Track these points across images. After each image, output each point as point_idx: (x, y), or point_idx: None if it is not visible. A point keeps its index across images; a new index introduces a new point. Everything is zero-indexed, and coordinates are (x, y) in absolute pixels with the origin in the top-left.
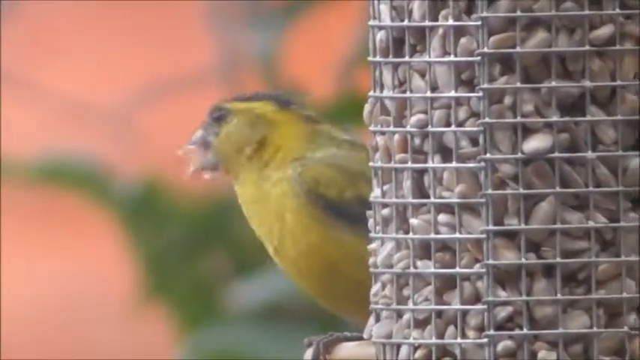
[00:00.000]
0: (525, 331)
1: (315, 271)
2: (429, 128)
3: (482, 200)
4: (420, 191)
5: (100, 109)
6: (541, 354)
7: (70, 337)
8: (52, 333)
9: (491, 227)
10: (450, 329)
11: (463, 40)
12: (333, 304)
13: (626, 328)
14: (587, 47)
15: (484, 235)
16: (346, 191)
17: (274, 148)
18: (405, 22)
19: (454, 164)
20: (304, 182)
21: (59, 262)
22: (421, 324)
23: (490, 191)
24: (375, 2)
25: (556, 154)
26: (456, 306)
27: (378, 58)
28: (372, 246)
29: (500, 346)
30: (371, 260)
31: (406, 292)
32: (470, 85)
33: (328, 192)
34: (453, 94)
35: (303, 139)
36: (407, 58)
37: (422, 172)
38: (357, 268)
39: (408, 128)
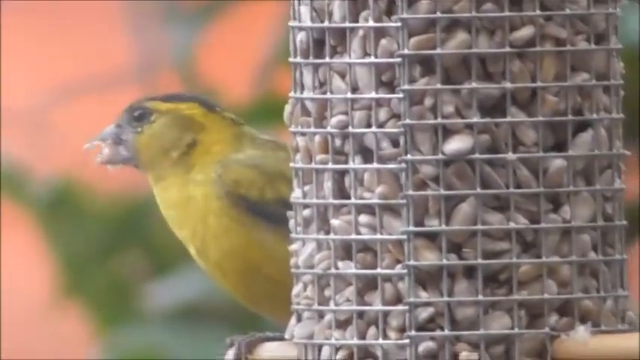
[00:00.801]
0: (447, 332)
1: (238, 272)
2: (350, 129)
3: (403, 201)
4: (341, 192)
5: (15, 109)
6: (462, 355)
7: None
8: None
9: (412, 228)
10: (372, 330)
11: (383, 42)
12: (256, 304)
13: (547, 329)
14: (507, 49)
15: (405, 236)
16: (267, 192)
17: (202, 151)
18: (326, 24)
19: (375, 165)
20: (225, 184)
21: None
22: (343, 324)
23: (411, 192)
24: (296, 3)
25: (477, 155)
26: (378, 307)
27: (298, 59)
28: (294, 247)
29: (421, 347)
30: (292, 261)
31: (327, 292)
32: (390, 86)
33: (249, 193)
34: (373, 95)
35: (228, 142)
36: (327, 59)
37: (343, 173)
38: (279, 269)
39: (329, 129)
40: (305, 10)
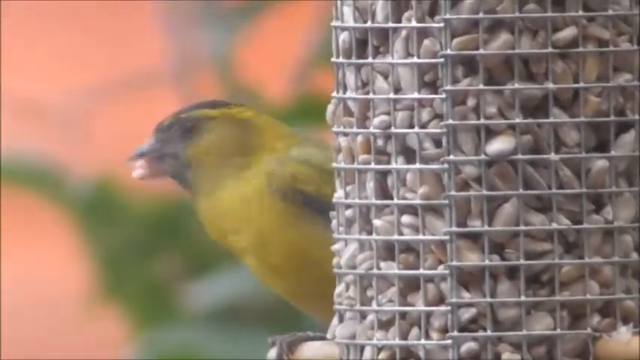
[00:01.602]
0: (489, 332)
1: (299, 271)
2: (392, 129)
3: (446, 202)
4: (384, 192)
5: (52, 109)
6: (505, 355)
7: (24, 336)
8: (5, 331)
9: (454, 229)
10: (414, 330)
11: (426, 42)
12: (310, 303)
13: (589, 330)
14: (549, 49)
15: (447, 237)
16: (323, 187)
17: (268, 150)
18: (368, 24)
19: (417, 165)
20: (281, 179)
21: (13, 262)
22: (385, 325)
23: (453, 193)
24: (338, 3)
25: (519, 156)
26: (420, 307)
27: (341, 59)
28: (336, 247)
29: (463, 348)
30: (334, 261)
31: (370, 293)
32: (433, 86)
33: (306, 188)
34: (416, 95)
35: (285, 141)
36: (370, 60)
37: (385, 174)
38: None
39: (371, 129)
40: (348, 10)
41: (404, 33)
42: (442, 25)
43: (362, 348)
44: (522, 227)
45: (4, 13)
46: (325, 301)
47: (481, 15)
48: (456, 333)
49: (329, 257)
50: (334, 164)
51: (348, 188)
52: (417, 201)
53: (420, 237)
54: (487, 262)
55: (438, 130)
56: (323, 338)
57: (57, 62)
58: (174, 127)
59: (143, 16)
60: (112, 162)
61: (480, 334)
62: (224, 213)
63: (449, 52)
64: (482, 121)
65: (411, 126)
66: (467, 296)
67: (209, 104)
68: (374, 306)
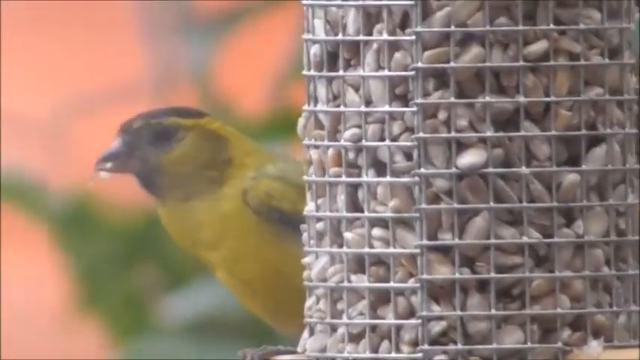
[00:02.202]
0: (459, 346)
1: (270, 287)
2: (363, 142)
3: (417, 215)
4: (354, 205)
5: (30, 121)
6: None
7: (5, 348)
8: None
9: (425, 242)
10: (385, 344)
11: (397, 55)
12: (280, 318)
13: (560, 344)
14: (521, 63)
15: (418, 250)
16: (298, 204)
17: (239, 165)
18: (340, 37)
19: (388, 178)
20: (256, 197)
21: None
22: (355, 338)
23: (424, 206)
24: (310, 16)
25: (490, 169)
26: (391, 320)
27: (312, 72)
28: (306, 260)
29: None
30: (305, 274)
31: (340, 306)
32: (404, 99)
33: (282, 205)
34: (387, 108)
35: (255, 155)
36: (341, 72)
37: (356, 187)
38: None
39: (342, 142)
40: (319, 23)
41: (375, 46)
42: (413, 37)
43: None
44: (493, 241)
45: None
46: (296, 316)
47: (452, 28)
48: (426, 346)
49: (302, 273)
50: (305, 177)
51: (319, 201)
52: (388, 214)
53: (391, 250)
54: (458, 275)
55: (408, 143)
56: (294, 352)
57: (36, 76)
58: (145, 131)
59: (122, 30)
60: (90, 175)
61: (451, 347)
62: (197, 225)
63: (420, 65)
64: (453, 134)
65: (382, 139)
66: (437, 309)
67: (179, 111)
68: (344, 319)
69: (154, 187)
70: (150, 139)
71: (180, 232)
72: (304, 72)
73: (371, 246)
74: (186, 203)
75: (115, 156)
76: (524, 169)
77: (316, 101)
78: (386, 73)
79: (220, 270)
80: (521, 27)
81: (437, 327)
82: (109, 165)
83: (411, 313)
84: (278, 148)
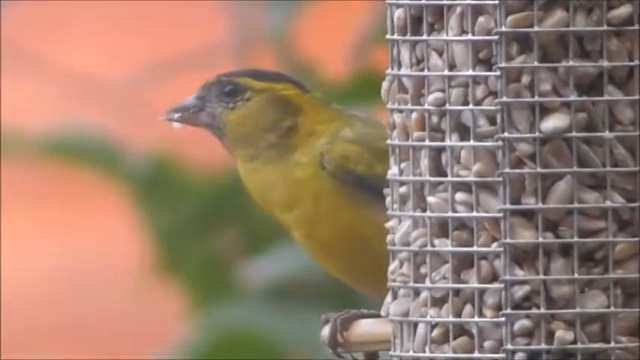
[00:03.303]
0: (542, 310)
1: (348, 249)
2: (447, 106)
3: (500, 179)
4: (438, 169)
5: (110, 85)
6: (558, 333)
7: (82, 312)
8: (63, 307)
9: (508, 206)
10: (467, 308)
11: (481, 19)
12: (360, 281)
13: None
14: (604, 27)
15: (501, 214)
16: (376, 167)
17: (307, 133)
18: (423, 1)
19: (472, 143)
20: (333, 159)
21: (71, 237)
22: (438, 302)
23: (507, 170)
24: None
25: (574, 134)
26: (474, 284)
27: (395, 36)
28: (390, 224)
29: (517, 325)
30: (389, 238)
31: (423, 270)
32: (487, 64)
33: (358, 168)
34: (470, 72)
35: (333, 120)
36: (425, 37)
37: (439, 151)
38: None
39: (426, 106)
40: None
41: (459, 10)
42: (497, 2)
43: (415, 325)
44: (576, 205)
45: None
46: (377, 279)
47: None
48: (509, 310)
49: (380, 236)
50: (389, 141)
51: (403, 165)
52: (471, 178)
53: (474, 214)
54: (541, 239)
55: (492, 108)
56: (377, 316)
57: (117, 39)
58: (216, 86)
59: None
60: (170, 139)
61: (534, 311)
62: (270, 186)
63: (503, 29)
64: (536, 98)
65: (466, 103)
66: (520, 274)
67: (258, 73)
68: (427, 283)
69: (222, 141)
70: (219, 95)
71: (254, 189)
72: (387, 36)
73: (454, 210)
74: (252, 163)
75: (186, 108)
76: (607, 134)
77: (400, 65)
78: (469, 37)
79: (295, 230)
80: None
81: (520, 291)
82: (176, 115)
83: (494, 278)
84: (361, 111)
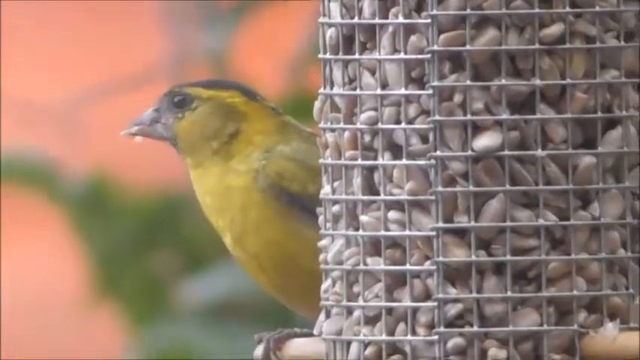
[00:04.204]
0: (475, 328)
1: (276, 264)
2: (379, 125)
3: (432, 198)
4: (370, 188)
5: (47, 107)
6: (491, 351)
7: (19, 335)
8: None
9: (441, 225)
10: (401, 326)
11: (413, 38)
12: (291, 298)
13: (576, 326)
14: (537, 46)
15: (434, 233)
16: (309, 186)
17: (244, 140)
18: (355, 20)
19: (404, 161)
20: (268, 176)
21: (8, 259)
22: (371, 321)
23: (440, 188)
24: (325, 0)
25: (506, 152)
26: (407, 303)
27: (328, 56)
28: (323, 243)
29: (450, 344)
30: (321, 257)
31: (356, 288)
32: (420, 82)
33: (292, 186)
34: (403, 91)
35: (271, 132)
36: (357, 56)
37: (372, 169)
38: (317, 262)
39: (358, 125)
40: (335, 7)
41: (391, 29)
42: (429, 20)
43: (348, 344)
44: (509, 223)
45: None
46: (308, 298)
47: (468, 11)
48: (442, 329)
49: (311, 254)
50: (321, 160)
51: (335, 184)
52: (404, 197)
53: (407, 233)
54: (474, 257)
55: (424, 126)
56: (310, 335)
57: (53, 63)
58: (167, 97)
59: (140, 16)
60: (108, 160)
61: (467, 329)
62: (207, 191)
63: (436, 48)
64: (469, 117)
65: (398, 122)
66: (453, 292)
67: (209, 83)
68: (360, 302)
69: (178, 153)
70: (169, 106)
71: (198, 195)
72: (320, 55)
73: (387, 229)
74: (197, 170)
75: (143, 121)
76: (540, 152)
77: (332, 84)
78: (402, 56)
79: (225, 238)
80: (537, 10)
81: (453, 309)
82: (135, 129)
83: (427, 296)
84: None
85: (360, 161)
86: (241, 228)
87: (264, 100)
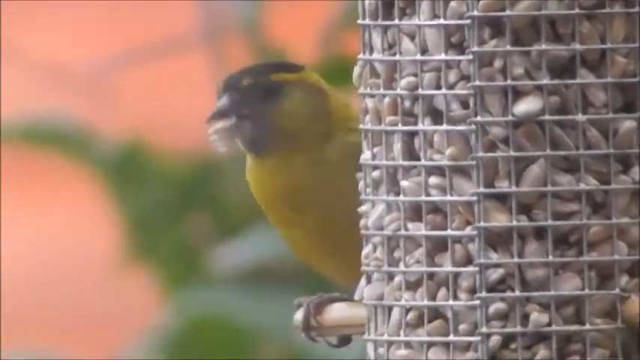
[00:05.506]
0: (517, 293)
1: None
2: (419, 91)
3: (473, 163)
4: (411, 154)
5: (80, 72)
6: (533, 316)
7: (51, 299)
8: (35, 293)
9: (482, 190)
10: (442, 291)
11: (453, 4)
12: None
13: (617, 290)
14: (576, 10)
15: (475, 198)
16: None
17: (341, 118)
18: None
19: (445, 127)
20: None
21: (41, 224)
22: (413, 286)
23: (481, 154)
24: None
25: (547, 117)
26: (448, 268)
27: (367, 21)
28: (363, 208)
29: (492, 308)
30: (362, 222)
31: (397, 254)
32: (460, 48)
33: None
34: (443, 57)
35: (348, 107)
36: (396, 21)
37: (412, 135)
38: None
39: (398, 91)
40: None
41: None
42: None
43: (390, 309)
44: (550, 188)
45: None
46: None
47: None
48: (484, 294)
49: None
50: (361, 126)
51: (375, 150)
52: (445, 162)
53: (448, 198)
54: (515, 222)
55: (465, 92)
56: (350, 300)
57: (86, 27)
58: (255, 88)
59: None
60: (140, 125)
61: (508, 294)
62: (296, 182)
63: (475, 13)
64: (509, 82)
65: (438, 87)
66: (495, 257)
67: (282, 67)
68: (401, 267)
69: (260, 145)
70: (261, 97)
71: (274, 188)
72: (359, 21)
73: (428, 194)
74: (289, 160)
75: (226, 112)
76: (580, 117)
77: (372, 50)
78: (441, 21)
79: (303, 229)
80: None
81: (494, 274)
82: (220, 125)
83: (468, 261)
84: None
85: (400, 127)
86: (331, 217)
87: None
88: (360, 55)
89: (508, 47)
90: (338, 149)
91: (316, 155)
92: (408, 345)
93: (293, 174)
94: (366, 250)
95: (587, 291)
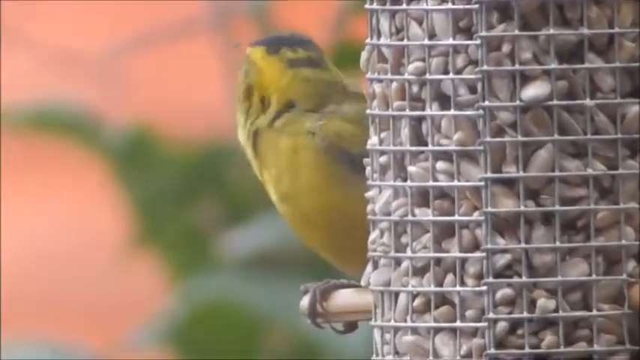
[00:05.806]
0: (524, 278)
1: (331, 226)
2: (427, 76)
3: (481, 148)
4: (418, 139)
5: (88, 57)
6: (540, 302)
7: (60, 285)
8: (41, 280)
9: (489, 175)
10: (449, 277)
11: None
12: (344, 258)
13: (624, 276)
14: None
15: (482, 183)
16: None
17: (258, 96)
18: None
19: (452, 112)
20: (326, 137)
21: (49, 211)
22: (420, 272)
23: (488, 139)
24: None
25: (554, 102)
26: (455, 254)
27: (375, 6)
28: (370, 193)
29: (499, 294)
30: (369, 208)
31: (404, 239)
32: (468, 32)
33: (351, 148)
34: (450, 41)
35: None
36: (404, 6)
37: (420, 120)
38: None
39: (406, 76)
40: None
41: None
42: None
43: (396, 295)
44: (557, 173)
45: None
46: (357, 255)
47: None
48: (491, 279)
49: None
50: (368, 111)
51: (383, 135)
52: (452, 147)
53: (455, 183)
54: (522, 207)
55: (472, 76)
56: (357, 286)
57: (96, 13)
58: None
59: None
60: (149, 110)
61: (515, 280)
62: (273, 153)
63: None
64: (517, 67)
65: (446, 72)
66: (502, 242)
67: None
68: (408, 253)
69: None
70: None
71: (261, 157)
72: (367, 6)
73: (435, 179)
74: (273, 132)
75: None
76: (588, 101)
77: (379, 35)
78: (449, 6)
79: (282, 201)
80: None
81: (501, 260)
82: None
83: (475, 246)
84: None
85: (407, 112)
86: (292, 188)
87: (294, 51)
88: (368, 40)
89: (516, 32)
90: (309, 130)
91: (293, 128)
92: (414, 331)
93: (273, 140)
94: (373, 235)
95: (594, 276)
